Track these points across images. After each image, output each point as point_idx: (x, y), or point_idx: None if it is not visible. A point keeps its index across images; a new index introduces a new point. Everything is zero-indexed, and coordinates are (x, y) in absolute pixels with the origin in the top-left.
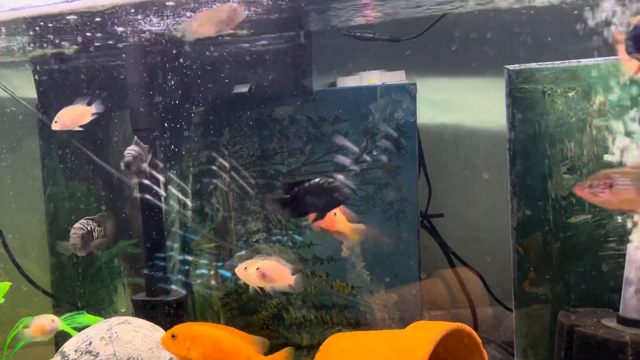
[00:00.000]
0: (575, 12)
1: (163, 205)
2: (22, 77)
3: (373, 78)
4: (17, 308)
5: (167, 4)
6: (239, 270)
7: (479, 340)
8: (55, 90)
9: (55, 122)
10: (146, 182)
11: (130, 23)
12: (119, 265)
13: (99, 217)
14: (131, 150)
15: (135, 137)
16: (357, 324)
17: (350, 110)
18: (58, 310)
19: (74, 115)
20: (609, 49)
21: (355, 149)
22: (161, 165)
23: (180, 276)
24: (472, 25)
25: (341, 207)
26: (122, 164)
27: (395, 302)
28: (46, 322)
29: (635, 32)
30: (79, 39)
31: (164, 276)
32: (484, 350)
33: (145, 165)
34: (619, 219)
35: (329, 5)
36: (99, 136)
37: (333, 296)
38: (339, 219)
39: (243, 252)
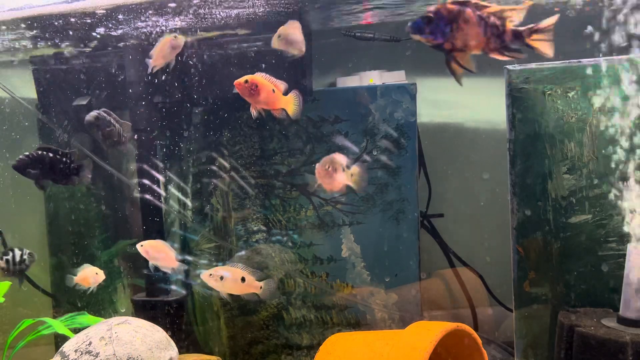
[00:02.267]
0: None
1: (163, 205)
2: (22, 77)
3: (373, 78)
4: (17, 308)
5: (167, 4)
6: (204, 276)
7: (479, 340)
8: (55, 90)
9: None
10: (146, 182)
11: (130, 23)
12: (119, 265)
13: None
14: (96, 112)
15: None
16: (357, 324)
17: (350, 110)
18: (58, 310)
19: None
20: (609, 49)
21: (355, 149)
22: (161, 165)
23: (180, 276)
24: None
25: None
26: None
27: (395, 302)
28: (90, 273)
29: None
30: (79, 39)
31: (164, 276)
32: (484, 350)
33: (113, 131)
34: (619, 219)
35: (329, 5)
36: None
37: (333, 296)
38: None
39: (243, 252)
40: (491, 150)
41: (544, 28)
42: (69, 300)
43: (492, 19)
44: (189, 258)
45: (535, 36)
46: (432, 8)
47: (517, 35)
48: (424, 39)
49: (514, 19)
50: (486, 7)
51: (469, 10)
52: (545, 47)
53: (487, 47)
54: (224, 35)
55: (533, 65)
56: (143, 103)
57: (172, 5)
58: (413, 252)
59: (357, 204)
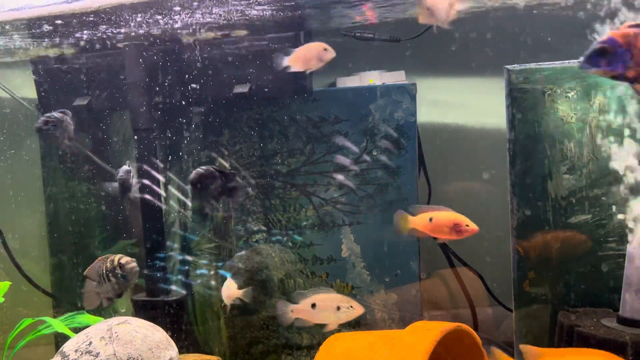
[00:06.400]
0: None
1: (163, 205)
2: (22, 77)
3: (373, 78)
4: (17, 308)
5: (167, 4)
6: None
7: (479, 340)
8: (55, 90)
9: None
10: (146, 182)
11: (130, 23)
12: None
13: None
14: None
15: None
16: (357, 324)
17: (350, 110)
18: (58, 310)
19: (310, 54)
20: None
21: (355, 149)
22: (161, 165)
23: (180, 276)
24: (472, 26)
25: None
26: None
27: (395, 302)
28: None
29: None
30: (79, 39)
31: (164, 276)
32: (484, 350)
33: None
34: (619, 219)
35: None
36: (99, 136)
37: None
38: None
39: (243, 252)
40: (491, 150)
41: None
42: (69, 300)
43: None
44: (189, 258)
45: None
46: (604, 37)
47: None
48: (602, 71)
49: None
50: None
51: None
52: None
53: None
54: (225, 35)
55: (533, 65)
56: (142, 103)
57: (172, 5)
58: (413, 252)
59: (357, 204)
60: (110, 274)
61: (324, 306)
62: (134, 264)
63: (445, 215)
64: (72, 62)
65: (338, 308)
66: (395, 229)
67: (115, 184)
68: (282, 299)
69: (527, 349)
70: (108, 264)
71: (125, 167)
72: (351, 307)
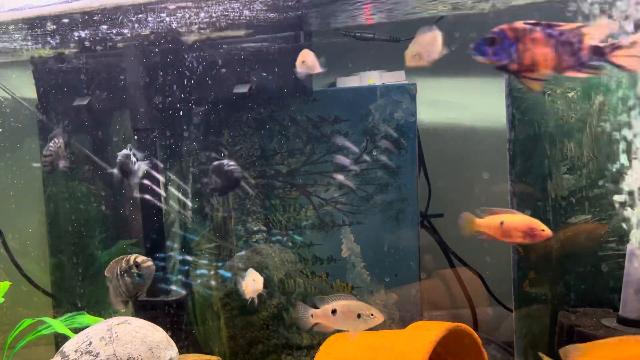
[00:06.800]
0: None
1: (163, 205)
2: (22, 77)
3: (373, 78)
4: (17, 308)
5: (167, 4)
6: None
7: (479, 340)
8: (55, 90)
9: (303, 62)
10: (146, 182)
11: (130, 23)
12: None
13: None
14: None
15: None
16: None
17: (350, 110)
18: (58, 310)
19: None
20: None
21: (355, 149)
22: (161, 165)
23: (180, 276)
24: (472, 26)
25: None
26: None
27: (395, 302)
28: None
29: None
30: (79, 39)
31: (164, 276)
32: (484, 350)
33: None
34: (619, 219)
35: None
36: (99, 136)
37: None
38: None
39: (243, 252)
40: (491, 150)
41: (629, 44)
42: (69, 300)
43: (565, 37)
44: (189, 258)
45: (618, 52)
46: (497, 28)
47: (598, 51)
48: (488, 60)
49: (593, 36)
50: (558, 25)
51: (536, 29)
52: (630, 63)
53: (560, 66)
54: (226, 35)
55: None
56: (142, 103)
57: (172, 5)
58: (413, 252)
59: (357, 204)
60: (125, 274)
61: (345, 313)
62: (150, 263)
63: (518, 219)
64: (72, 62)
65: (359, 316)
66: (460, 230)
67: (116, 169)
68: (303, 303)
69: (567, 349)
70: (123, 264)
71: (125, 151)
72: (372, 315)
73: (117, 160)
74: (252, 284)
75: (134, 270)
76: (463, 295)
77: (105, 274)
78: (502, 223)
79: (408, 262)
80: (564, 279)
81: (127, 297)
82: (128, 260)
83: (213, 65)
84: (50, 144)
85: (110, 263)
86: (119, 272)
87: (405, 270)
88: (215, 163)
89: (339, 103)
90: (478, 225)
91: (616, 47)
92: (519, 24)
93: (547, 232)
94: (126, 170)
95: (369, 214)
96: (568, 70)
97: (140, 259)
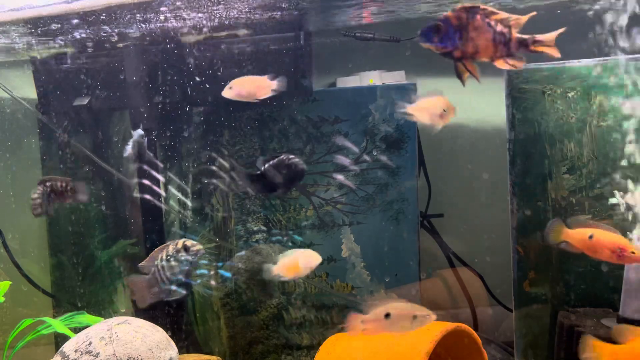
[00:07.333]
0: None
1: (163, 205)
2: (22, 77)
3: (373, 78)
4: (17, 308)
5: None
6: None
7: (479, 340)
8: (55, 90)
9: (230, 88)
10: (146, 182)
11: (130, 23)
12: (119, 265)
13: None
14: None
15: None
16: None
17: (350, 110)
18: (58, 310)
19: (253, 87)
20: (608, 49)
21: (355, 149)
22: (161, 165)
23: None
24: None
25: None
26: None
27: None
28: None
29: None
30: (79, 39)
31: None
32: (484, 350)
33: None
34: (619, 218)
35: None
36: (99, 136)
37: (333, 296)
38: None
39: (243, 252)
40: (491, 150)
41: (546, 41)
42: (69, 300)
43: (500, 27)
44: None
45: (539, 45)
46: (441, 16)
47: (523, 43)
48: (434, 47)
49: (517, 27)
50: (495, 13)
51: (478, 18)
52: (550, 51)
53: (495, 55)
54: (226, 35)
55: (533, 65)
56: (142, 103)
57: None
58: (413, 252)
59: (357, 204)
60: (172, 259)
61: (399, 316)
62: (200, 246)
63: (609, 237)
64: (72, 62)
65: (415, 317)
66: (545, 237)
67: (129, 149)
68: (353, 312)
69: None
70: (170, 249)
71: (139, 131)
72: (428, 315)
73: (132, 140)
74: (310, 261)
75: (182, 254)
76: (463, 295)
77: (142, 265)
78: (591, 237)
79: (408, 262)
80: (564, 279)
81: (170, 284)
82: (176, 244)
83: (213, 65)
84: (39, 188)
85: (152, 253)
86: (165, 257)
87: (405, 270)
88: (274, 161)
89: (339, 103)
90: (566, 235)
91: (537, 41)
92: (462, 12)
93: (638, 255)
94: (141, 151)
95: (369, 214)
96: (498, 60)
97: (189, 242)
